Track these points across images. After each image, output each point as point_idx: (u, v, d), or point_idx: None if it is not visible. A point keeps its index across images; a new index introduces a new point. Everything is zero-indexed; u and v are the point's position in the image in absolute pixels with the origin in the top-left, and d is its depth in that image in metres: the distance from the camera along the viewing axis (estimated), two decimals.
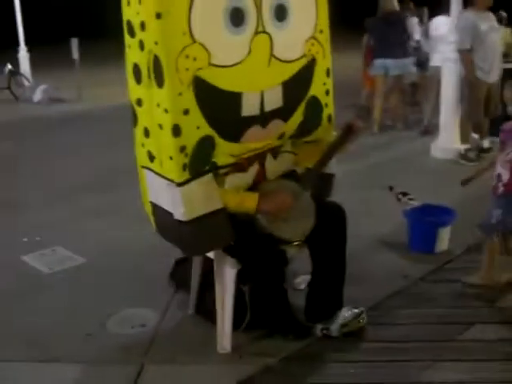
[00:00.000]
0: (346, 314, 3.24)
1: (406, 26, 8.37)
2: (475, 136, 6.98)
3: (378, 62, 8.24)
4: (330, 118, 3.32)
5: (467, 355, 3.07)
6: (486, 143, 6.85)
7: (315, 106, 3.21)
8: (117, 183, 5.95)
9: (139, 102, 2.85)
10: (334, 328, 3.19)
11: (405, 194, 4.40)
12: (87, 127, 9.34)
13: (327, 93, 3.27)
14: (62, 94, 12.66)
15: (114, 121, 9.11)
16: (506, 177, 3.62)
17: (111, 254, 4.36)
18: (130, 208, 5.01)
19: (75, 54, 12.78)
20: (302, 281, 3.69)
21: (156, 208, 3.04)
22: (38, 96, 12.52)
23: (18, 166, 7.29)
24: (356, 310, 3.26)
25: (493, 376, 2.91)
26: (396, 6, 8.33)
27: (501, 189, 3.63)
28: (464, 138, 6.61)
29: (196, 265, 3.43)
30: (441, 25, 8.01)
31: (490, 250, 3.72)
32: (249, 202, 2.93)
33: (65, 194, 5.93)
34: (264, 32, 2.83)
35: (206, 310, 3.37)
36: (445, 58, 7.11)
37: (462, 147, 6.64)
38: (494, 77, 6.52)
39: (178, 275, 3.75)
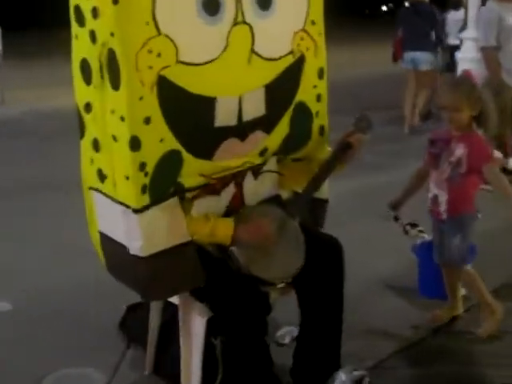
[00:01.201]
0: (343, 377, 3.23)
1: (436, 18, 8.85)
2: (498, 154, 7.09)
3: (407, 55, 8.69)
4: (322, 130, 3.36)
5: None
6: (511, 163, 6.96)
7: (303, 114, 3.25)
8: (46, 205, 5.98)
9: (88, 108, 2.86)
10: None
11: (414, 226, 4.43)
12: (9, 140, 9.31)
13: (319, 98, 3.30)
14: None
15: (43, 131, 9.15)
16: (443, 198, 3.82)
17: (44, 298, 4.35)
18: (66, 237, 5.03)
19: None
20: (287, 333, 3.70)
21: (106, 240, 3.04)
22: None
23: None
24: (356, 373, 3.27)
25: None
26: None
27: (444, 215, 3.84)
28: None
29: (155, 312, 3.44)
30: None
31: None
32: (222, 231, 2.95)
33: None
34: (244, 22, 2.86)
35: (166, 369, 3.40)
36: (461, 59, 7.28)
37: None
38: None
39: (131, 325, 3.74)
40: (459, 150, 3.78)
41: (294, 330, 3.52)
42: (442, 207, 3.86)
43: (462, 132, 3.82)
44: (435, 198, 3.88)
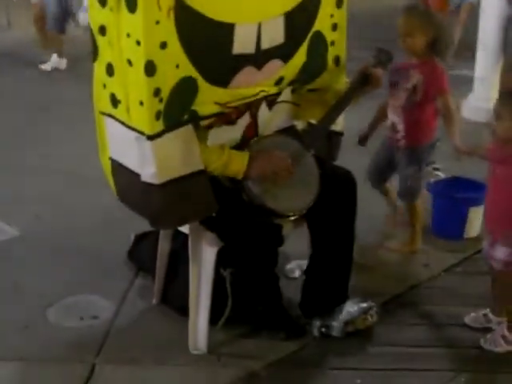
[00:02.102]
0: (351, 308, 3.30)
1: None
2: None
3: None
4: (338, 61, 3.36)
5: (502, 367, 3.18)
6: None
7: (319, 44, 3.25)
8: (57, 132, 6.03)
9: (102, 30, 2.84)
10: (336, 326, 3.26)
11: (429, 163, 4.44)
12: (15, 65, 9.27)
13: (334, 27, 3.29)
14: None
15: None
16: (400, 126, 3.91)
17: (53, 226, 4.40)
18: (75, 166, 5.05)
19: None
20: (297, 267, 3.78)
21: (118, 166, 3.06)
22: None
23: None
24: (364, 305, 3.34)
25: None
26: None
27: (402, 141, 3.93)
28: None
29: (164, 242, 3.49)
30: None
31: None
32: (237, 163, 2.97)
33: None
34: None
35: (174, 299, 3.46)
36: None
37: None
38: None
39: (140, 254, 3.79)
40: (415, 77, 3.81)
41: (304, 264, 3.56)
42: (400, 134, 3.95)
43: (420, 60, 3.84)
44: (393, 126, 3.96)
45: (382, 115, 4.11)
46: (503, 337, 3.26)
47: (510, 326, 3.26)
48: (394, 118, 3.95)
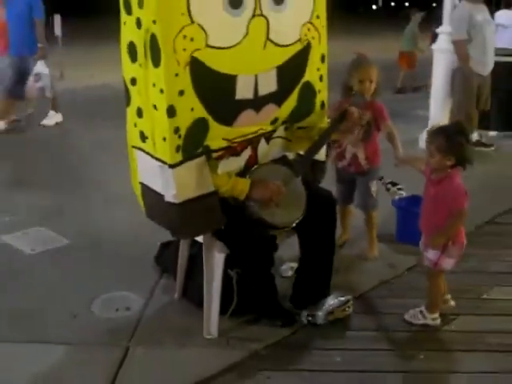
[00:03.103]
0: (332, 301, 3.29)
1: None
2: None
3: None
4: (323, 105, 3.37)
5: (454, 345, 3.17)
6: (474, 136, 6.92)
7: (309, 91, 3.26)
8: (99, 161, 6.00)
9: (133, 81, 2.87)
10: (320, 315, 3.24)
11: (394, 184, 4.45)
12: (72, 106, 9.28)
13: (321, 79, 3.31)
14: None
15: (98, 100, 9.12)
16: (362, 155, 3.95)
17: (95, 236, 4.38)
18: (113, 188, 5.04)
19: (58, 31, 12.64)
20: (289, 268, 3.74)
21: (146, 189, 3.06)
22: None
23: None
24: (342, 298, 3.32)
25: (476, 366, 2.99)
26: None
27: (365, 167, 3.98)
28: (472, 123, 6.64)
29: (183, 248, 3.47)
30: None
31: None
32: (240, 187, 2.98)
33: (47, 174, 5.95)
34: (261, 15, 2.86)
35: (192, 293, 3.42)
36: (436, 49, 7.18)
37: None
38: (487, 69, 6.59)
39: (164, 259, 3.78)
40: (366, 116, 3.79)
41: (295, 266, 3.56)
42: (362, 162, 3.95)
43: (368, 101, 3.83)
44: (354, 156, 3.94)
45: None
46: (421, 313, 3.31)
47: (427, 307, 3.31)
48: (353, 150, 3.94)
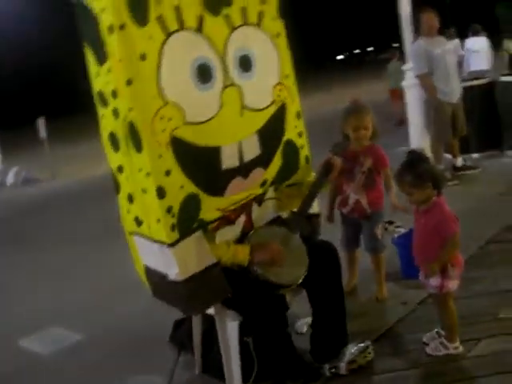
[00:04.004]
0: (352, 349, 3.22)
1: None
2: (448, 156, 7.10)
3: None
4: (307, 160, 3.36)
5: (480, 371, 3.07)
6: (459, 162, 6.97)
7: (291, 149, 3.25)
8: (101, 247, 5.94)
9: (120, 169, 2.86)
10: (342, 365, 3.17)
11: (391, 223, 4.44)
12: (66, 208, 9.31)
13: (300, 135, 3.31)
14: (35, 175, 12.65)
15: (89, 196, 9.16)
16: (364, 200, 3.92)
17: (109, 327, 4.30)
18: (118, 274, 4.99)
19: (43, 134, 12.82)
20: (304, 324, 3.67)
21: (150, 271, 3.01)
22: (10, 179, 12.50)
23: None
24: (362, 345, 3.25)
25: None
26: None
27: (368, 211, 3.94)
28: (438, 160, 6.71)
29: (196, 323, 3.40)
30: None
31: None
32: (241, 255, 2.93)
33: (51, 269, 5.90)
34: (232, 84, 2.88)
35: (212, 367, 3.33)
36: (406, 85, 7.30)
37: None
38: (455, 97, 6.67)
39: (180, 336, 3.70)
40: (368, 161, 3.83)
41: (309, 320, 3.47)
42: (365, 207, 3.91)
43: (366, 146, 3.84)
44: (358, 202, 3.91)
45: (333, 195, 4.04)
46: (442, 344, 3.25)
47: (446, 336, 3.25)
48: (356, 196, 3.91)
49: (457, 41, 11.95)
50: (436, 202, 3.11)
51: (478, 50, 11.31)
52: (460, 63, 11.05)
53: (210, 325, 3.26)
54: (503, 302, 3.69)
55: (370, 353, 3.24)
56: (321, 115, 12.58)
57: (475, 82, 7.61)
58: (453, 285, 3.17)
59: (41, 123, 12.64)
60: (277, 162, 3.16)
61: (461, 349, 3.23)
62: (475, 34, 11.67)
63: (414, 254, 3.29)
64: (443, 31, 11.80)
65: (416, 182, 3.05)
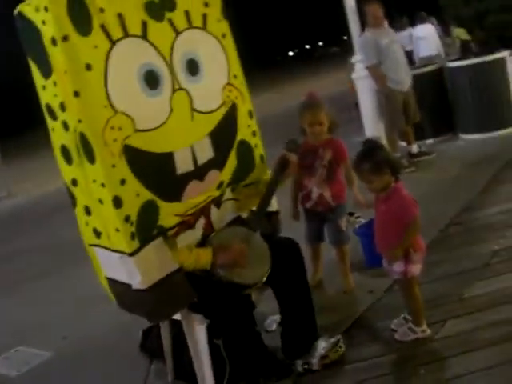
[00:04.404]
0: (323, 344, 3.24)
1: None
2: (403, 144, 7.20)
3: None
4: (262, 158, 3.36)
5: (448, 351, 3.13)
6: (414, 148, 7.08)
7: (245, 149, 3.25)
8: (59, 266, 5.91)
9: (74, 182, 2.82)
10: (315, 361, 3.19)
11: (351, 214, 4.48)
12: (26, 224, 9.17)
13: (254, 134, 3.31)
14: None
15: (49, 211, 9.04)
16: (328, 193, 3.95)
17: (76, 342, 4.24)
18: (80, 290, 4.93)
19: None
20: (273, 321, 3.67)
21: (113, 282, 2.98)
22: None
23: None
24: (333, 339, 3.27)
25: (476, 365, 2.95)
26: None
27: (332, 204, 3.97)
28: (393, 148, 6.80)
29: (165, 330, 3.38)
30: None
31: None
32: (204, 258, 2.93)
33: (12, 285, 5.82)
34: (181, 89, 2.87)
35: (185, 373, 3.32)
36: (356, 77, 7.37)
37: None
38: (406, 85, 6.77)
39: (150, 345, 3.67)
40: (327, 154, 3.86)
41: (278, 318, 3.49)
42: (329, 199, 3.93)
43: (325, 140, 3.86)
44: (321, 196, 3.93)
45: (295, 192, 4.06)
46: (410, 329, 3.30)
47: (413, 321, 3.30)
48: (319, 190, 3.93)
49: (410, 29, 12.32)
50: (395, 188, 3.16)
51: (425, 36, 11.66)
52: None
53: (178, 329, 3.24)
54: (466, 283, 3.77)
55: (340, 347, 3.26)
56: (275, 112, 12.61)
57: (425, 69, 7.74)
58: (416, 269, 3.22)
59: None
60: (231, 162, 3.16)
61: (428, 332, 3.28)
62: (422, 21, 11.99)
63: (375, 242, 3.33)
64: (397, 20, 12.29)
65: (374, 169, 3.09)
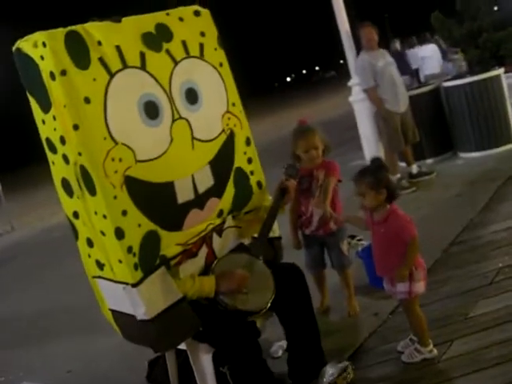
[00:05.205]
0: (331, 370, 3.19)
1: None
2: (403, 165, 7.21)
3: None
4: (260, 185, 3.37)
5: (456, 372, 3.10)
6: (414, 169, 7.09)
7: (241, 176, 3.27)
8: (73, 292, 5.87)
9: (76, 215, 2.83)
10: None
11: (353, 237, 4.48)
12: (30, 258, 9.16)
13: (250, 161, 3.32)
14: None
15: (45, 246, 9.05)
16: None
17: (81, 374, 4.22)
18: (87, 319, 4.91)
19: None
20: (278, 348, 3.66)
21: (117, 314, 2.98)
22: None
23: None
24: (341, 365, 3.23)
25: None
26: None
27: (333, 227, 3.95)
28: (393, 170, 6.81)
29: (170, 360, 3.35)
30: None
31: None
32: (207, 287, 2.92)
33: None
34: (180, 118, 2.89)
35: None
36: (353, 101, 7.41)
37: (394, 178, 6.82)
38: (403, 106, 6.79)
39: (157, 375, 3.65)
40: (321, 174, 3.86)
41: (284, 344, 3.49)
42: (331, 222, 3.88)
43: (320, 162, 3.87)
44: (323, 217, 3.85)
45: (294, 220, 4.03)
46: (416, 350, 3.28)
47: (419, 341, 3.29)
48: (320, 211, 3.85)
49: (418, 48, 13.24)
50: (391, 209, 3.19)
51: (429, 55, 12.43)
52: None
53: (184, 359, 3.23)
54: (471, 302, 3.74)
55: (349, 373, 3.22)
56: (276, 138, 12.65)
57: (422, 90, 7.77)
58: (419, 287, 3.22)
59: None
60: (230, 190, 3.17)
61: (435, 351, 3.27)
62: (426, 41, 12.53)
63: (376, 266, 3.32)
64: (406, 40, 13.16)
65: (374, 185, 3.11)
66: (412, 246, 3.13)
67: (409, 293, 3.20)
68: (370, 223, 3.27)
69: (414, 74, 12.01)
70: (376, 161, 3.27)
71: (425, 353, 3.26)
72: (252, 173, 3.32)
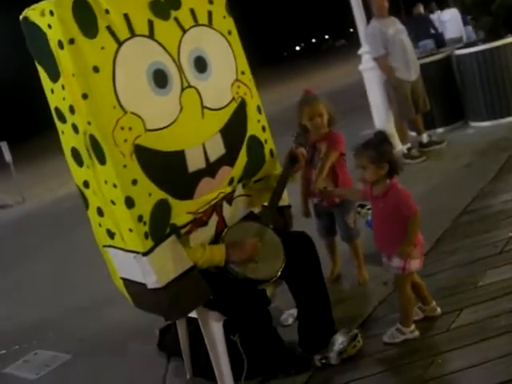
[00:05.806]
0: (341, 339, 3.22)
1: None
2: (413, 134, 7.18)
3: None
4: (272, 153, 3.37)
5: (465, 340, 3.11)
6: (424, 138, 7.05)
7: (255, 144, 3.25)
8: (83, 263, 5.95)
9: (86, 184, 2.84)
10: (333, 356, 3.19)
11: (363, 206, 4.46)
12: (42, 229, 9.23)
13: (264, 129, 3.32)
14: (5, 200, 12.56)
15: (62, 214, 9.10)
16: (331, 187, 3.88)
17: (93, 342, 4.28)
18: (96, 290, 4.95)
19: (8, 157, 12.66)
20: (288, 316, 3.69)
21: (128, 282, 3.00)
22: None
23: None
24: (350, 334, 3.25)
25: (494, 353, 2.92)
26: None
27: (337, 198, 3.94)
28: (403, 139, 6.78)
29: (181, 328, 3.40)
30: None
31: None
32: (218, 256, 2.94)
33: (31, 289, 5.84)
34: (190, 86, 2.88)
35: (203, 370, 3.34)
36: (363, 69, 7.34)
37: (404, 147, 6.80)
38: (414, 74, 6.73)
39: (167, 343, 3.70)
40: (324, 147, 3.85)
41: (294, 312, 3.52)
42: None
43: (324, 133, 3.85)
44: (325, 189, 3.85)
45: (305, 187, 4.03)
46: (398, 330, 3.27)
47: (401, 322, 3.28)
48: (324, 183, 3.87)
49: (438, 13, 13.59)
50: (391, 183, 3.14)
51: (450, 19, 12.61)
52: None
53: (195, 327, 3.26)
54: (481, 271, 3.75)
55: (358, 341, 3.24)
56: (284, 107, 12.61)
57: (433, 58, 7.69)
58: (415, 264, 3.20)
59: (4, 147, 12.50)
60: (242, 158, 3.16)
61: (417, 332, 3.26)
62: (446, 6, 13.16)
63: (375, 240, 3.31)
64: (428, 6, 13.68)
65: (375, 158, 3.07)
66: (413, 221, 3.10)
67: (403, 269, 3.18)
68: (370, 195, 3.25)
69: (440, 37, 11.94)
70: (380, 134, 3.20)
71: (406, 333, 3.25)
72: (266, 141, 3.31)
